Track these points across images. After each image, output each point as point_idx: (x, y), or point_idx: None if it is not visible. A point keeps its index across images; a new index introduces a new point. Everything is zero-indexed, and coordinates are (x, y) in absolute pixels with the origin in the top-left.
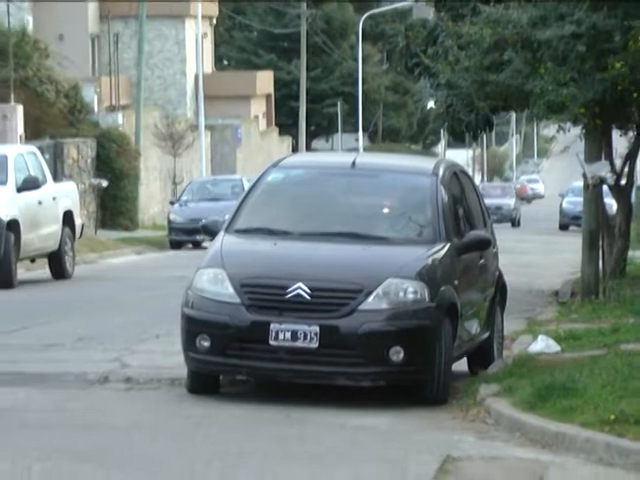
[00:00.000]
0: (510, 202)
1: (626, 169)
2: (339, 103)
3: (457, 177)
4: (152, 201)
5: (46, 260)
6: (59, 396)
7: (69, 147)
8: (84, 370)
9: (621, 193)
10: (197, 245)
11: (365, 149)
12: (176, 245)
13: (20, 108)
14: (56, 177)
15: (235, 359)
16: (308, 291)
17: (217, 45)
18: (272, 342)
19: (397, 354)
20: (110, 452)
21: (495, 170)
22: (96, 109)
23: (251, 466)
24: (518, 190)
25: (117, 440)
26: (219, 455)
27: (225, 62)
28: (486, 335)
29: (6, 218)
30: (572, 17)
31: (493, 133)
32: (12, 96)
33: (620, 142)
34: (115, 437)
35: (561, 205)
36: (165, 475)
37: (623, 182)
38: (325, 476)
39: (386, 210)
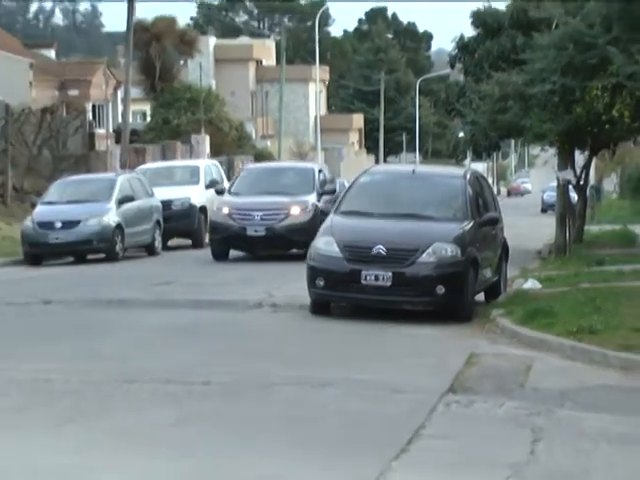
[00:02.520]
0: None
1: (583, 175)
2: (404, 134)
3: (477, 179)
4: None
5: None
6: (230, 315)
7: (237, 161)
8: (245, 299)
9: (580, 190)
10: None
11: (420, 163)
12: None
13: (207, 137)
14: (229, 180)
15: (339, 292)
16: (384, 250)
17: (328, 97)
18: (362, 282)
19: (440, 289)
20: (262, 347)
21: (500, 175)
22: (254, 137)
23: (346, 351)
24: (514, 188)
25: (266, 339)
26: (327, 344)
27: (333, 107)
28: (496, 278)
29: (198, 204)
30: (549, 80)
31: (500, 152)
32: (202, 130)
33: (580, 158)
34: (265, 337)
35: (542, 197)
36: (292, 355)
37: (581, 183)
38: (399, 363)
39: (433, 199)
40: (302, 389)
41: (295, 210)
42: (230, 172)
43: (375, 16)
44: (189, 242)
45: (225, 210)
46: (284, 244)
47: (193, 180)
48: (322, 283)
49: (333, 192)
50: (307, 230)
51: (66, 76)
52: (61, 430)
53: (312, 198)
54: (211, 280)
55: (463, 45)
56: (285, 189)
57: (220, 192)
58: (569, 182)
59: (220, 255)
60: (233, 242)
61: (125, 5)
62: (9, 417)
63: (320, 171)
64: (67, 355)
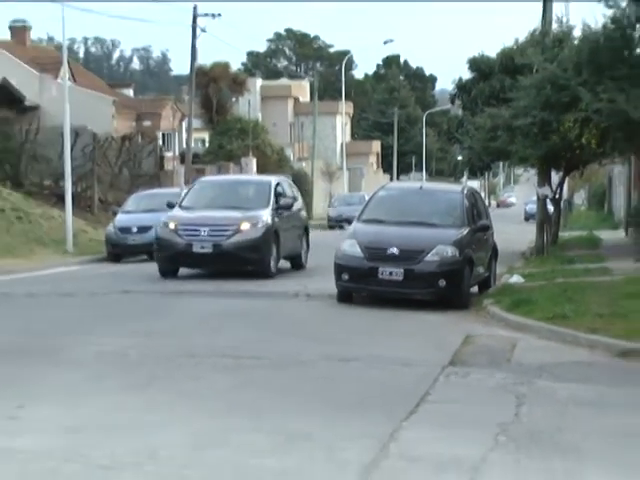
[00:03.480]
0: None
1: (558, 190)
2: (413, 157)
3: (472, 194)
4: (317, 206)
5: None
6: (272, 302)
7: None
8: (285, 290)
9: (555, 203)
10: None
11: (426, 180)
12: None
13: (254, 160)
14: None
15: (361, 285)
16: (397, 251)
17: (352, 127)
18: (379, 276)
19: (442, 283)
20: (299, 328)
21: (491, 191)
22: (292, 160)
23: (366, 332)
24: (502, 201)
25: (302, 322)
26: (351, 326)
27: (355, 135)
28: (487, 274)
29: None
30: (531, 114)
31: (491, 172)
32: (250, 153)
33: (555, 177)
34: (301, 321)
35: (525, 209)
36: (322, 335)
37: (556, 197)
38: (409, 342)
39: (436, 210)
40: (330, 363)
41: (245, 226)
42: None
43: (390, 62)
44: None
45: (171, 225)
46: (233, 262)
47: None
48: (346, 277)
49: (289, 207)
50: (257, 247)
51: (141, 110)
52: (135, 393)
53: (265, 213)
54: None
55: (461, 86)
56: (238, 203)
57: (171, 206)
58: (546, 196)
59: (167, 273)
60: (179, 259)
61: (189, 53)
62: (91, 383)
63: (278, 185)
64: (141, 333)
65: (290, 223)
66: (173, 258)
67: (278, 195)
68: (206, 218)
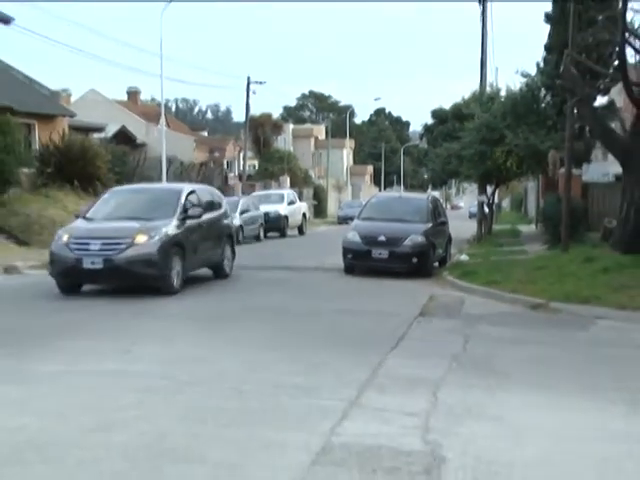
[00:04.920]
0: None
1: (491, 198)
2: (395, 176)
3: (435, 200)
4: (331, 209)
5: (296, 228)
6: (300, 274)
7: (304, 191)
8: (309, 265)
9: (489, 206)
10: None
11: (403, 191)
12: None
13: (288, 178)
14: (301, 200)
15: (360, 262)
16: (384, 238)
17: (354, 156)
18: (373, 256)
19: (414, 260)
20: (317, 291)
21: (447, 198)
22: (313, 177)
23: (363, 293)
24: (454, 205)
25: (319, 287)
26: (352, 290)
27: (356, 162)
28: (445, 254)
29: (283, 214)
30: (473, 147)
31: (447, 185)
32: (285, 174)
33: (489, 189)
34: (318, 286)
35: (469, 210)
36: (333, 295)
37: (490, 202)
38: (392, 300)
39: (410, 211)
40: (337, 314)
41: (141, 238)
42: (300, 196)
43: (379, 112)
44: (277, 234)
45: (64, 238)
46: (127, 278)
47: (280, 200)
48: (350, 256)
49: (199, 216)
50: (153, 262)
51: (212, 145)
52: (198, 337)
53: (167, 224)
54: (289, 254)
55: (426, 128)
56: (141, 213)
57: (77, 216)
58: (484, 202)
59: (66, 289)
60: (71, 275)
61: (244, 107)
62: (177, 330)
63: (192, 193)
64: (212, 295)
65: (205, 233)
66: (65, 274)
67: (189, 204)
68: (99, 230)
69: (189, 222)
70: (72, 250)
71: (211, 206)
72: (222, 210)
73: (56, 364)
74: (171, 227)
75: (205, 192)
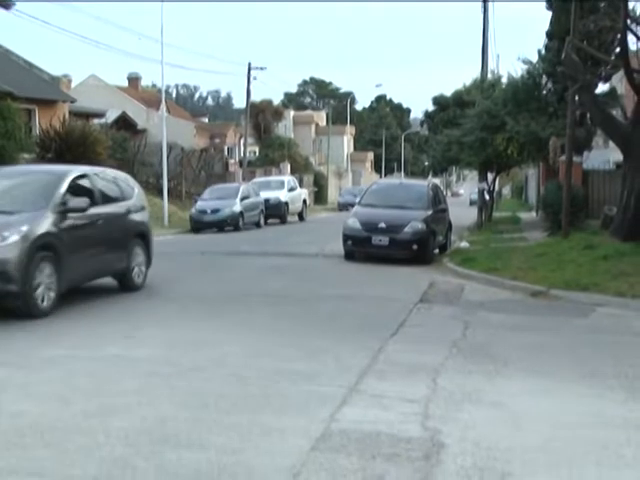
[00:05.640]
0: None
1: (492, 185)
2: (395, 163)
3: (435, 186)
4: (332, 195)
5: (296, 215)
6: (300, 260)
7: (305, 177)
8: (309, 252)
9: (490, 193)
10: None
11: (404, 178)
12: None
13: (288, 165)
14: (301, 186)
15: (360, 248)
16: (385, 225)
17: (354, 143)
18: (373, 242)
19: (414, 246)
20: (317, 277)
21: (448, 185)
22: (314, 164)
23: (362, 279)
24: (455, 192)
25: (319, 273)
26: (352, 276)
27: (356, 148)
28: (445, 241)
29: (284, 200)
30: (474, 134)
31: (447, 172)
32: (286, 160)
33: (490, 176)
34: (318, 272)
35: (470, 197)
36: (333, 281)
37: (491, 189)
38: (392, 286)
39: (411, 197)
40: (337, 300)
41: None
42: (301, 183)
43: (380, 99)
44: (278, 221)
45: None
46: None
47: (281, 187)
48: (350, 243)
49: (84, 209)
50: (7, 273)
51: (213, 132)
52: (209, 320)
53: (36, 219)
54: (289, 240)
55: (427, 115)
56: (3, 205)
57: None
58: (484, 189)
59: None
60: None
61: (245, 93)
62: (181, 314)
63: (81, 177)
64: (212, 280)
65: (100, 231)
66: None
67: (73, 193)
68: None
69: (72, 217)
70: None
71: (114, 196)
72: (130, 202)
73: None
74: (40, 223)
75: (107, 178)
